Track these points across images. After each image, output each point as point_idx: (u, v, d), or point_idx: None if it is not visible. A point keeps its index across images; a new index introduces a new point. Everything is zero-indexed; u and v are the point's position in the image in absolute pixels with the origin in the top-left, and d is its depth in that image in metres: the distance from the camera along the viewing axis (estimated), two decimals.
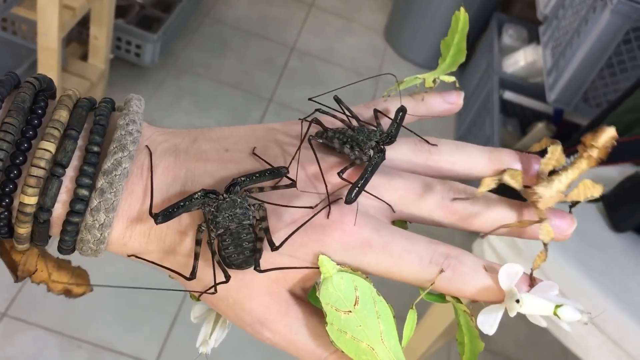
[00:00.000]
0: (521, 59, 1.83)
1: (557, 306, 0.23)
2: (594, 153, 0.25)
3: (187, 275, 0.25)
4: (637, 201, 0.80)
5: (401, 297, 1.30)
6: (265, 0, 2.23)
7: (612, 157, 0.96)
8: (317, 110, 0.28)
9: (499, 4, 2.14)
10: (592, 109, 1.48)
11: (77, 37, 1.62)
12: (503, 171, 0.25)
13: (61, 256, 0.27)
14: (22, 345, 1.19)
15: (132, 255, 0.26)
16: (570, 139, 1.49)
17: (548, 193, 0.25)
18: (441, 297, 0.26)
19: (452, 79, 0.31)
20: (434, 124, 2.02)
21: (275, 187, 0.25)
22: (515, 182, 0.25)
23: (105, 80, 1.60)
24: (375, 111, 0.29)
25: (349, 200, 0.25)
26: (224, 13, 2.10)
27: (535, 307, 0.23)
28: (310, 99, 0.29)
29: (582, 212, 0.85)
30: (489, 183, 0.25)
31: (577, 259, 0.78)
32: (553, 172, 0.26)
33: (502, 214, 0.26)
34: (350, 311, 0.24)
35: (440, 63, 0.31)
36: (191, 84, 1.81)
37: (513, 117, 1.84)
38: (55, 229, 0.25)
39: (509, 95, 1.78)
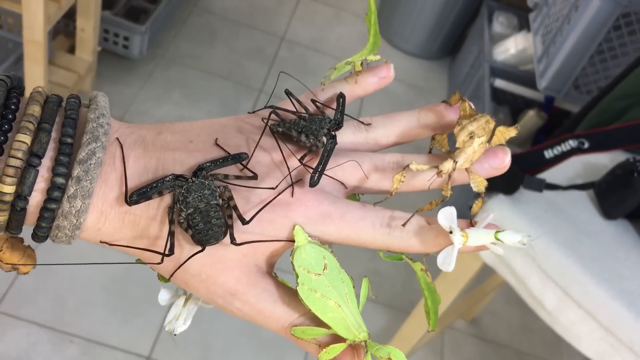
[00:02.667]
0: (512, 47, 1.83)
1: (497, 232, 0.27)
2: (466, 108, 0.29)
3: (165, 252, 0.26)
4: (627, 188, 0.80)
5: (395, 287, 1.31)
6: None
7: (604, 144, 0.96)
8: (271, 106, 0.31)
9: None
10: (582, 95, 1.47)
11: (64, 30, 1.61)
12: (405, 167, 0.28)
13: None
14: (14, 341, 1.18)
15: (104, 242, 0.27)
16: (562, 125, 1.49)
17: (470, 150, 0.28)
18: (398, 257, 0.30)
19: (378, 57, 0.33)
20: None
21: (238, 177, 0.28)
22: (443, 146, 0.29)
23: (93, 72, 1.59)
24: (314, 102, 0.32)
25: (313, 184, 0.28)
26: (212, 3, 2.09)
27: (479, 237, 0.27)
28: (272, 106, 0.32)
29: (573, 200, 0.85)
30: (399, 179, 0.28)
31: (568, 246, 0.78)
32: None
33: (428, 175, 0.30)
34: (319, 274, 0.27)
35: (367, 43, 0.34)
36: (180, 75, 1.80)
37: (504, 105, 1.84)
38: (31, 218, 0.26)
39: (499, 83, 1.78)
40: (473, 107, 0.29)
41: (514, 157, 0.93)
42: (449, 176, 0.28)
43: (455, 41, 2.23)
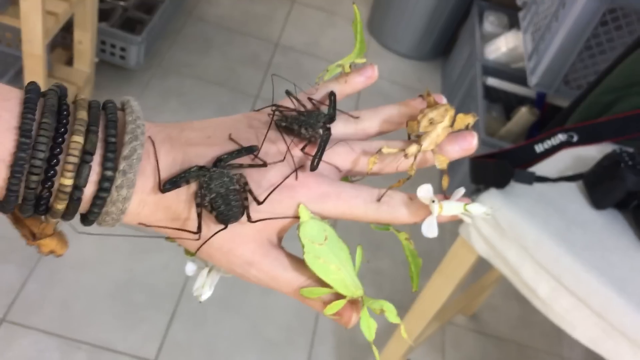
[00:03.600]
0: (502, 45, 1.86)
1: (466, 204, 0.31)
2: (431, 100, 0.35)
3: (194, 230, 0.32)
4: (615, 179, 0.83)
5: (395, 285, 1.33)
6: None
7: (592, 137, 0.99)
8: (274, 104, 0.36)
9: None
10: (573, 91, 1.50)
11: (61, 43, 1.63)
12: (378, 151, 0.34)
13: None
14: (22, 349, 1.21)
15: (142, 224, 0.32)
16: (554, 118, 1.51)
17: (434, 134, 0.33)
18: (385, 227, 0.35)
19: (364, 60, 0.38)
20: None
21: (251, 165, 0.33)
22: (413, 129, 0.34)
23: (92, 84, 1.61)
24: (311, 100, 0.37)
25: (313, 168, 0.33)
26: (206, 12, 2.12)
27: (451, 208, 0.31)
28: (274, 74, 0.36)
29: (563, 191, 0.87)
30: (373, 161, 0.33)
31: (559, 236, 0.80)
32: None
33: (398, 157, 0.35)
34: (322, 244, 0.32)
35: (354, 49, 0.39)
36: (177, 84, 1.82)
37: (497, 103, 1.87)
38: (84, 205, 0.30)
39: (492, 81, 1.81)
40: (436, 100, 0.35)
41: (506, 152, 0.96)
42: (415, 157, 0.33)
43: (447, 41, 2.25)
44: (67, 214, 0.30)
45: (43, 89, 0.31)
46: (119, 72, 1.75)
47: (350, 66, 0.38)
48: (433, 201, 0.31)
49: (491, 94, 1.85)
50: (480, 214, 0.31)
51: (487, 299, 1.55)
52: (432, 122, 0.33)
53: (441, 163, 0.33)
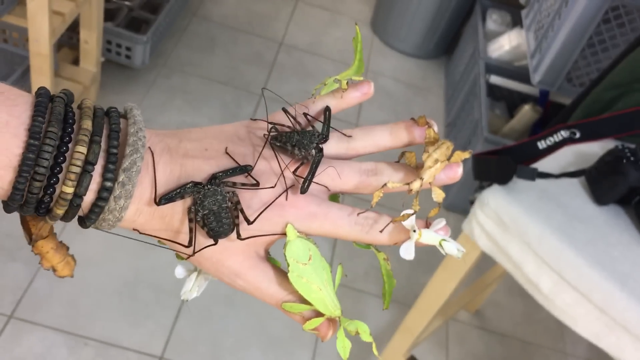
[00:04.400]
0: (506, 43, 1.86)
1: (442, 240, 0.34)
2: (431, 134, 0.36)
3: (185, 244, 0.34)
4: (617, 174, 0.83)
5: (399, 281, 1.33)
6: None
7: (594, 133, 1.00)
8: (270, 122, 0.37)
9: None
10: (576, 88, 1.51)
11: (67, 42, 1.65)
12: (383, 186, 0.35)
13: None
14: (30, 345, 1.22)
15: (136, 229, 0.34)
16: (557, 116, 1.52)
17: (434, 169, 0.35)
18: (367, 246, 0.37)
19: (361, 78, 0.40)
20: (422, 111, 2.05)
21: (243, 184, 0.34)
22: (411, 161, 0.36)
23: (98, 83, 1.62)
24: (306, 115, 0.38)
25: (303, 191, 0.34)
26: (211, 11, 2.13)
27: (429, 238, 0.34)
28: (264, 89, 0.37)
29: (565, 187, 0.88)
30: (378, 195, 0.34)
31: (561, 231, 0.81)
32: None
33: (401, 178, 0.36)
34: (305, 264, 0.34)
35: (351, 67, 0.40)
36: (182, 83, 1.84)
37: (500, 101, 1.87)
38: (82, 211, 0.32)
39: (495, 79, 1.81)
40: (436, 131, 0.36)
41: (509, 149, 0.97)
42: (417, 193, 0.35)
43: (450, 40, 2.26)
44: (66, 218, 0.32)
45: (50, 88, 0.31)
46: (124, 71, 1.77)
47: (347, 82, 0.39)
48: (414, 230, 0.33)
49: (494, 91, 1.86)
50: (452, 253, 0.34)
51: (490, 295, 1.56)
52: (436, 162, 0.34)
53: (438, 196, 0.35)
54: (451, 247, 0.34)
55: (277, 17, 2.23)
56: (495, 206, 0.84)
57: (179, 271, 0.38)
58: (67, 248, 0.35)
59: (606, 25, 1.40)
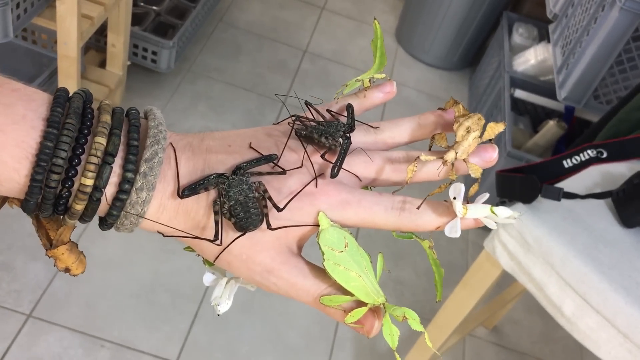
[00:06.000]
0: (532, 58, 1.85)
1: (492, 206, 0.31)
2: (460, 108, 0.35)
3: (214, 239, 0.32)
4: None
5: (416, 295, 1.33)
6: (277, 5, 2.26)
7: (622, 154, 0.98)
8: (294, 115, 0.37)
9: (509, 3, 2.16)
10: (602, 105, 1.49)
11: (95, 45, 1.66)
12: (416, 158, 0.33)
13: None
14: (48, 345, 1.23)
15: (160, 232, 0.32)
16: (582, 134, 1.50)
17: (467, 143, 0.33)
18: (408, 235, 0.35)
19: (383, 75, 0.38)
20: None
21: (270, 173, 0.33)
22: (442, 143, 0.34)
23: (123, 86, 1.64)
24: (329, 111, 0.37)
25: (333, 175, 0.33)
26: (236, 18, 2.14)
27: (477, 210, 0.31)
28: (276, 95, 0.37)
29: (591, 208, 0.86)
30: (412, 169, 0.33)
31: (586, 254, 0.79)
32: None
33: (435, 164, 0.35)
34: (342, 251, 0.32)
35: (373, 66, 0.39)
36: (206, 88, 1.84)
37: (524, 115, 1.86)
38: (102, 208, 0.30)
39: (519, 93, 1.80)
40: (466, 107, 0.35)
41: (534, 167, 0.95)
42: (452, 165, 0.33)
43: (475, 52, 2.25)
44: (85, 215, 0.30)
45: (76, 89, 0.32)
46: (150, 75, 1.78)
47: (369, 81, 0.38)
48: (455, 198, 0.31)
49: (518, 106, 1.84)
50: (506, 218, 0.31)
51: (509, 313, 1.54)
52: (468, 131, 0.33)
53: (475, 172, 0.33)
54: (505, 211, 0.31)
55: (302, 25, 2.23)
56: (519, 226, 0.83)
57: (208, 278, 0.36)
58: (77, 246, 0.34)
59: (635, 43, 1.38)
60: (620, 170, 0.91)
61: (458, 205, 0.31)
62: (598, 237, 0.82)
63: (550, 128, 1.67)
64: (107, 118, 0.30)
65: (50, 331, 1.25)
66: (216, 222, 0.31)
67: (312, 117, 0.37)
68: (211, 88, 1.85)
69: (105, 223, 0.31)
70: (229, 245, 0.32)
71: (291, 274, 0.32)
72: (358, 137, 0.36)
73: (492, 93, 1.89)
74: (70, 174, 0.29)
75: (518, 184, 0.86)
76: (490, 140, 0.34)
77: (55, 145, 0.28)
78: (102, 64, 1.62)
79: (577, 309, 0.79)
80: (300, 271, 0.32)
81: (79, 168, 0.29)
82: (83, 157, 0.29)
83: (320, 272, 0.32)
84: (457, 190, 0.32)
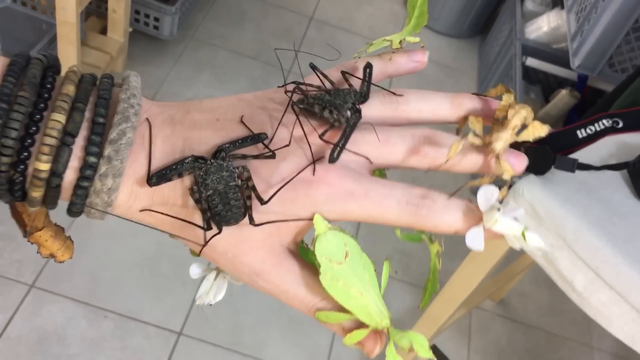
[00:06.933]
0: (544, 25, 1.79)
1: (524, 229, 0.26)
2: (510, 99, 0.29)
3: (203, 226, 0.27)
4: None
5: (422, 267, 1.30)
6: None
7: (639, 123, 0.94)
8: (294, 82, 0.30)
9: None
10: (617, 74, 1.44)
11: (96, 11, 1.62)
12: (463, 136, 0.28)
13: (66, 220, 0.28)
14: (51, 315, 1.22)
15: (145, 209, 0.28)
16: (595, 105, 1.46)
17: (504, 136, 0.28)
18: (416, 237, 0.30)
19: (417, 39, 0.32)
20: (454, 92, 1.99)
21: (256, 157, 0.28)
22: (477, 127, 0.28)
23: (125, 53, 1.60)
24: (343, 73, 0.31)
25: (332, 160, 0.27)
26: None
27: (506, 225, 0.26)
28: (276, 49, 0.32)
29: (605, 180, 0.83)
30: (456, 147, 0.27)
31: (600, 227, 0.77)
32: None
33: (476, 153, 0.29)
34: (341, 263, 0.27)
35: (406, 24, 0.33)
36: (210, 56, 1.81)
37: (536, 84, 1.81)
38: (66, 194, 0.27)
39: (531, 61, 1.75)
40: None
41: (546, 137, 0.92)
42: (498, 157, 0.27)
43: (486, 19, 2.19)
44: (46, 203, 0.26)
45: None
46: (152, 42, 1.74)
47: (400, 42, 0.32)
48: (498, 209, 0.26)
49: (530, 75, 1.79)
50: (538, 246, 0.27)
51: (516, 285, 1.52)
52: (524, 122, 0.28)
53: (507, 172, 0.27)
54: (537, 241, 0.26)
55: None
56: (530, 197, 0.80)
57: (194, 270, 0.32)
58: (63, 229, 0.31)
59: None
60: (636, 141, 0.88)
61: (491, 213, 0.26)
62: (612, 209, 0.79)
63: (563, 97, 1.63)
64: (69, 89, 0.26)
65: (53, 302, 1.24)
66: (202, 211, 0.27)
67: (321, 84, 0.31)
68: (215, 56, 1.81)
69: (70, 211, 0.27)
70: (207, 242, 0.28)
71: (283, 279, 0.28)
72: (374, 107, 0.30)
73: (502, 61, 1.84)
74: (22, 157, 0.25)
75: (531, 154, 0.82)
76: (523, 144, 0.29)
77: (4, 123, 0.24)
78: (104, 31, 1.58)
79: (589, 283, 0.76)
80: (293, 277, 0.28)
81: (32, 149, 0.25)
82: (38, 136, 0.25)
83: (316, 276, 0.28)
84: (490, 194, 0.26)
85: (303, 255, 0.29)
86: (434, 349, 1.14)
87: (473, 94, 0.31)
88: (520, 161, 0.29)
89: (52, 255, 0.30)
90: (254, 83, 1.78)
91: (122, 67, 1.61)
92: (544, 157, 0.81)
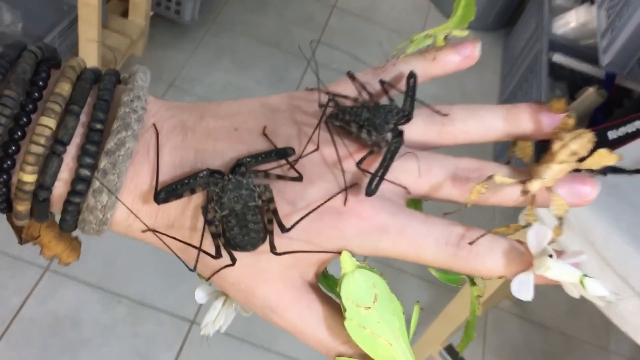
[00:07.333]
0: (572, 20, 1.75)
1: (583, 276, 0.23)
2: (569, 123, 0.25)
3: (213, 254, 0.24)
4: None
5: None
6: None
7: None
8: (328, 92, 0.27)
9: None
10: None
11: None
12: (488, 177, 0.24)
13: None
14: (65, 299, 1.22)
15: (147, 230, 0.25)
16: (623, 105, 1.42)
17: (559, 168, 0.24)
18: (455, 278, 0.27)
19: (466, 33, 0.28)
20: (476, 87, 1.96)
21: (280, 177, 0.24)
22: (526, 155, 0.26)
23: (145, 37, 1.59)
24: (382, 83, 0.28)
25: (370, 193, 0.24)
26: None
27: (562, 272, 0.23)
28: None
29: (637, 184, 0.81)
30: (479, 190, 0.24)
31: (631, 233, 0.74)
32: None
33: (513, 189, 0.26)
34: (369, 307, 0.24)
35: (452, 16, 0.29)
36: (231, 42, 1.79)
37: (561, 81, 1.77)
38: (57, 207, 0.24)
39: (558, 57, 1.71)
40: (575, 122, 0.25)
41: None
42: (534, 197, 0.24)
43: (512, 12, 2.15)
44: (35, 216, 0.24)
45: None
46: (173, 27, 1.73)
47: (445, 38, 0.28)
48: (550, 255, 0.23)
49: (555, 71, 1.76)
50: (595, 296, 0.23)
51: (535, 285, 1.49)
52: (573, 154, 0.24)
53: (559, 208, 0.24)
54: (599, 289, 0.23)
55: None
56: (616, 298, 0.78)
57: (199, 295, 0.28)
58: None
59: None
60: None
61: (543, 258, 0.23)
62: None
63: (590, 95, 1.59)
64: (64, 88, 0.23)
65: (68, 285, 1.23)
66: (213, 236, 0.24)
67: (354, 92, 0.27)
68: (236, 42, 1.79)
69: (62, 228, 0.24)
70: (216, 272, 0.24)
71: (301, 317, 0.25)
72: (416, 128, 0.27)
73: (528, 56, 1.81)
74: (5, 166, 0.22)
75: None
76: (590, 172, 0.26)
77: None
78: (125, 14, 1.57)
79: (616, 291, 0.74)
80: (313, 315, 0.25)
81: (17, 158, 0.22)
82: (24, 143, 0.22)
83: (338, 315, 0.25)
84: (542, 236, 0.23)
85: (322, 282, 0.27)
86: (450, 348, 1.13)
87: (535, 102, 0.27)
88: (587, 184, 0.25)
89: (57, 256, 0.28)
90: (275, 71, 1.76)
91: (142, 51, 1.59)
92: None
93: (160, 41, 1.69)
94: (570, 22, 1.75)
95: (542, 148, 0.26)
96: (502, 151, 1.72)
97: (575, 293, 0.24)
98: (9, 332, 1.15)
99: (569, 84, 1.76)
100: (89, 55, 1.33)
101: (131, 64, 1.55)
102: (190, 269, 0.24)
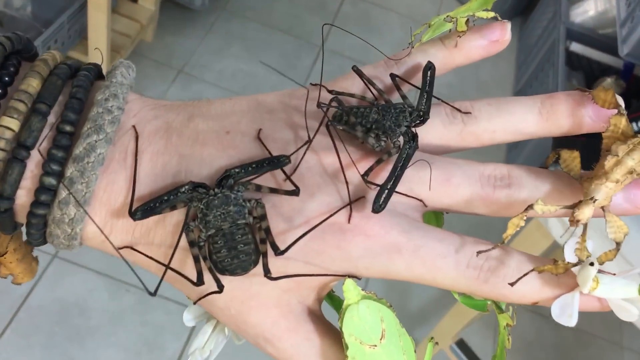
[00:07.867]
0: (591, 8, 1.71)
1: None
2: (621, 123, 0.21)
3: (194, 280, 0.21)
4: None
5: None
6: None
7: None
8: (331, 91, 0.23)
9: None
10: None
11: None
12: (528, 207, 0.20)
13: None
14: (73, 286, 1.21)
15: (124, 247, 0.22)
16: None
17: (614, 186, 0.20)
18: (481, 304, 0.23)
19: (492, 14, 0.25)
20: (490, 76, 1.93)
21: (273, 190, 0.21)
22: (574, 169, 0.21)
23: (155, 22, 1.57)
24: (393, 77, 0.24)
25: (377, 209, 0.21)
26: None
27: (613, 287, 0.20)
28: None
29: None
30: (517, 223, 0.21)
31: None
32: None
33: (553, 196, 0.22)
34: (375, 345, 0.21)
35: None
36: (241, 28, 1.76)
37: (578, 71, 1.74)
38: (21, 218, 0.21)
39: (575, 46, 1.68)
40: (628, 121, 0.21)
41: None
42: (585, 227, 0.20)
43: (528, 0, 2.11)
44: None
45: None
46: (183, 12, 1.70)
47: (467, 22, 0.24)
48: (592, 264, 0.20)
49: (572, 60, 1.72)
50: None
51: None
52: (630, 172, 0.20)
53: (617, 231, 0.20)
54: None
55: None
56: None
57: (187, 317, 0.25)
58: (32, 250, 0.27)
59: None
60: None
61: (586, 272, 0.20)
62: None
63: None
64: (31, 84, 0.20)
65: (76, 272, 1.23)
66: (195, 258, 0.21)
67: (360, 89, 0.24)
68: (246, 28, 1.77)
69: (29, 242, 0.22)
70: (200, 298, 0.22)
71: (298, 350, 0.22)
72: (434, 130, 0.23)
73: (544, 45, 1.77)
74: None
75: (580, 149, 0.77)
76: None
77: None
78: None
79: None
80: (311, 347, 0.22)
81: None
82: None
83: (339, 346, 0.22)
84: (577, 250, 0.20)
85: (327, 301, 0.24)
86: (461, 342, 1.11)
87: (577, 88, 0.23)
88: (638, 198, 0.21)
89: (12, 275, 0.26)
90: (285, 57, 1.74)
91: (152, 37, 1.57)
92: (594, 152, 0.76)
93: (170, 27, 1.67)
94: (588, 10, 1.71)
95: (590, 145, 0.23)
96: (515, 144, 1.70)
97: (630, 314, 0.20)
98: (16, 319, 1.14)
99: (586, 73, 1.73)
100: (98, 40, 1.31)
101: (141, 49, 1.53)
102: (150, 293, 0.22)
